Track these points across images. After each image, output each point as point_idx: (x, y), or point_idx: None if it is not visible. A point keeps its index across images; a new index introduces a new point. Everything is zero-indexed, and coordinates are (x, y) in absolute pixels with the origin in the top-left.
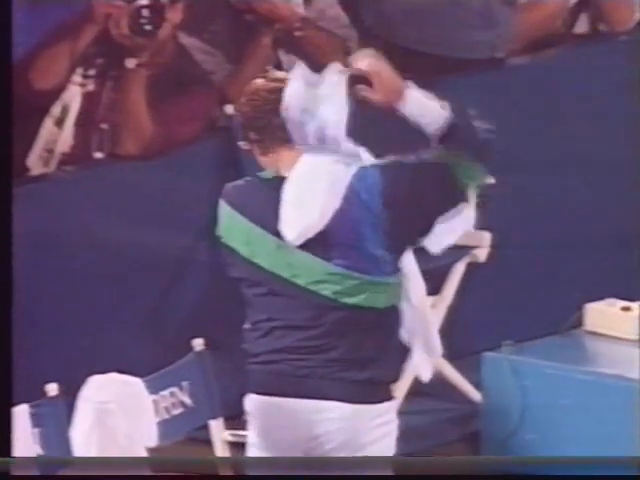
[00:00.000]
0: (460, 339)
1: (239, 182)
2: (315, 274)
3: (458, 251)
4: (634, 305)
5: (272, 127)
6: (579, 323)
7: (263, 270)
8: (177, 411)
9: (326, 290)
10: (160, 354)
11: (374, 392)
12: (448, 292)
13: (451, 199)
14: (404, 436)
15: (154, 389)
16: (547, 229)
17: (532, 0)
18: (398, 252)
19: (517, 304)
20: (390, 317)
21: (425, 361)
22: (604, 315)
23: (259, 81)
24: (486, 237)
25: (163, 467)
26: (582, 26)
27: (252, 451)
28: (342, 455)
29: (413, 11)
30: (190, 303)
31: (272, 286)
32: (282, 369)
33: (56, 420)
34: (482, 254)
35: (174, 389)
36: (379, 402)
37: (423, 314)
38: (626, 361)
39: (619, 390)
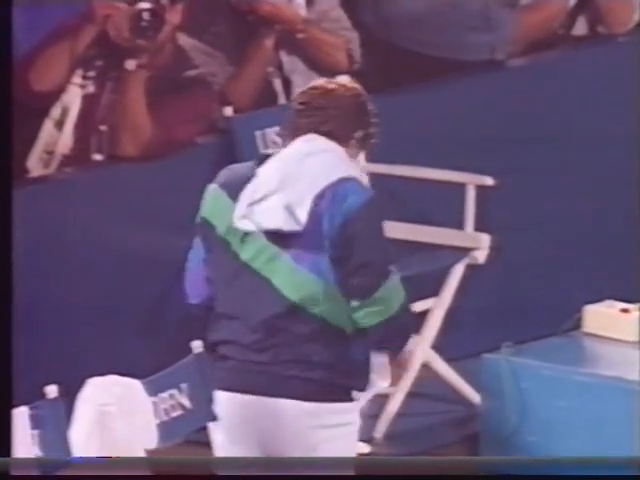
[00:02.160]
0: (459, 341)
1: (235, 165)
2: (284, 273)
3: (457, 253)
4: (633, 307)
5: None
6: (578, 325)
7: (234, 255)
8: (176, 413)
9: (293, 295)
10: (159, 356)
11: (325, 391)
12: (447, 294)
13: None
14: (404, 437)
15: (153, 391)
16: (546, 231)
17: (532, 2)
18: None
19: (516, 306)
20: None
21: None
22: (603, 317)
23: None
24: (485, 239)
25: (162, 468)
26: (581, 28)
27: (218, 447)
28: (296, 453)
29: (414, 13)
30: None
31: (239, 272)
32: (236, 365)
33: (55, 422)
34: (481, 256)
35: (173, 391)
36: (331, 401)
37: None
38: (625, 363)
39: (618, 392)
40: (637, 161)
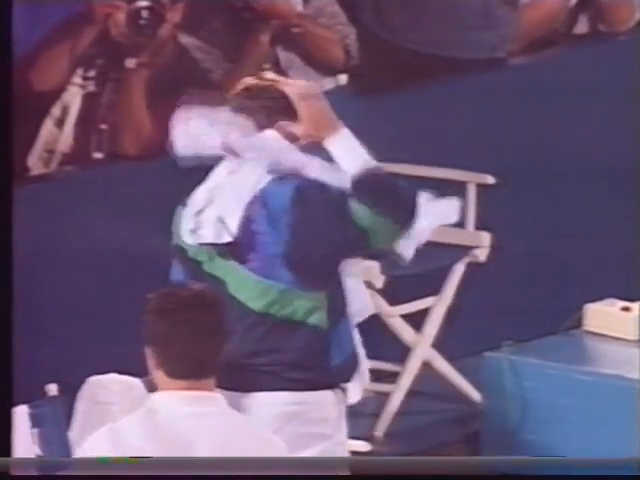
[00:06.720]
0: (460, 339)
1: None
2: (237, 281)
3: (458, 251)
4: (634, 305)
5: None
6: (579, 323)
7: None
8: None
9: (255, 304)
10: None
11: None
12: (448, 292)
13: (355, 249)
14: (405, 435)
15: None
16: (547, 229)
17: (532, 0)
18: (306, 273)
19: (517, 304)
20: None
21: (354, 385)
22: (604, 315)
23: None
24: (486, 237)
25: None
26: (582, 26)
27: None
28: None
29: (413, 10)
30: None
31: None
32: None
33: (55, 420)
34: (482, 254)
35: None
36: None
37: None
38: (626, 361)
39: (619, 390)
40: (638, 159)
